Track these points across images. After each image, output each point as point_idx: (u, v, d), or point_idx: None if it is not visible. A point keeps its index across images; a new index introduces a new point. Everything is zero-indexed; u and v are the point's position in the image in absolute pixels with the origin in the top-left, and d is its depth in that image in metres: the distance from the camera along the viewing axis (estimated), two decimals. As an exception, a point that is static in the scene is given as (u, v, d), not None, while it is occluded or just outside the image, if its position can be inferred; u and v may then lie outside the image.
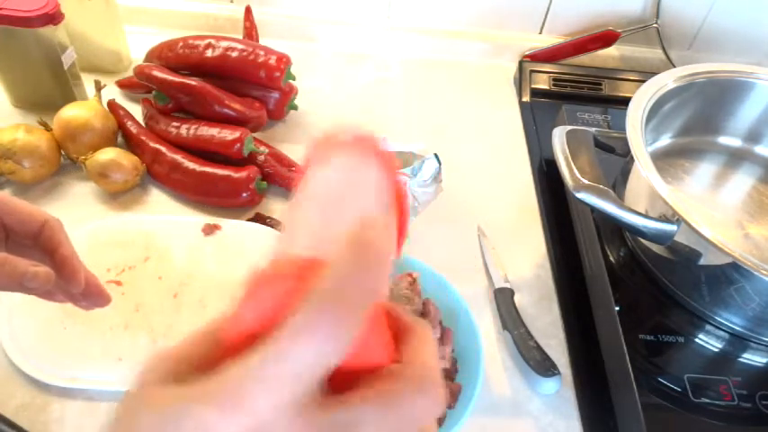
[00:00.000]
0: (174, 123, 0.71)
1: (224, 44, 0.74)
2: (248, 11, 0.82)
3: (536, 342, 0.57)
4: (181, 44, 0.75)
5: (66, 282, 0.42)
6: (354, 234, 0.20)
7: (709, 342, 0.57)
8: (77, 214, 0.65)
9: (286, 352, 0.18)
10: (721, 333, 0.57)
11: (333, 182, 0.23)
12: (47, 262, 0.42)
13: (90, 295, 0.44)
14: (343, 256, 0.19)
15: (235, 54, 0.73)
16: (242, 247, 0.63)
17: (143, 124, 0.74)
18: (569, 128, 0.62)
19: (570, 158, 0.58)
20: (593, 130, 0.64)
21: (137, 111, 0.76)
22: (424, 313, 0.55)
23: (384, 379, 0.20)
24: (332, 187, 0.23)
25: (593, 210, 0.57)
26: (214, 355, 0.21)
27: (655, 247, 0.60)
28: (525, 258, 0.67)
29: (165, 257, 0.61)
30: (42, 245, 0.42)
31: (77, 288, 0.43)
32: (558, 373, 0.55)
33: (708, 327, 0.58)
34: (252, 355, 0.18)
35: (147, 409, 0.19)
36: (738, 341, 0.57)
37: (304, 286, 0.19)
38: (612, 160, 0.65)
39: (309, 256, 0.20)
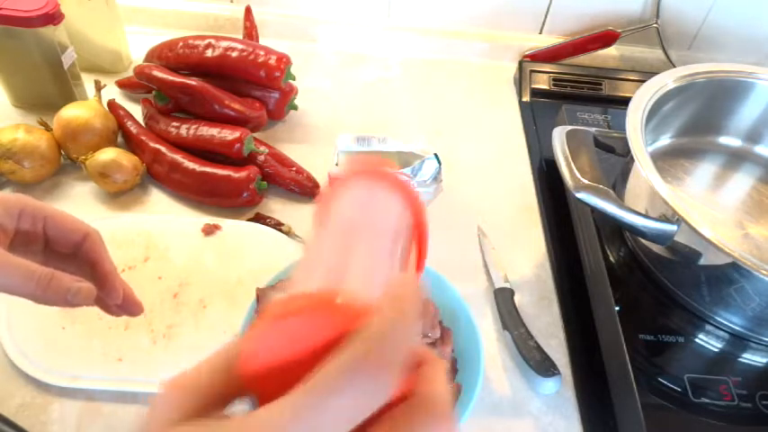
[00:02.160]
0: (174, 123, 0.71)
1: (224, 44, 0.74)
2: (248, 11, 0.82)
3: (536, 342, 0.57)
4: (181, 44, 0.75)
5: (106, 295, 0.43)
6: (392, 290, 0.20)
7: (709, 342, 0.57)
8: (77, 214, 0.64)
9: (322, 406, 0.18)
10: (721, 333, 0.57)
11: (352, 210, 0.23)
12: (84, 272, 0.42)
13: (125, 306, 0.44)
14: (381, 312, 0.19)
15: (235, 54, 0.73)
16: (242, 247, 0.63)
17: (143, 124, 0.74)
18: (569, 128, 0.62)
19: (570, 158, 0.58)
20: (593, 130, 0.64)
21: (137, 111, 0.76)
22: (424, 314, 0.55)
23: (400, 410, 0.20)
24: (351, 216, 0.23)
25: (593, 210, 0.57)
26: (228, 389, 0.20)
27: (655, 247, 0.59)
28: (525, 258, 0.67)
29: (165, 257, 0.61)
30: (83, 257, 0.42)
31: (116, 301, 0.43)
32: (558, 373, 0.55)
33: (708, 327, 0.58)
34: (282, 404, 0.18)
35: None
36: (738, 341, 0.57)
37: (329, 328, 0.19)
38: (612, 160, 0.65)
39: (332, 293, 0.20)
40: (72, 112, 0.68)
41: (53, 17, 0.67)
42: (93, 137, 0.68)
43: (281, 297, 0.20)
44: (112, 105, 0.74)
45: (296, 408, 0.18)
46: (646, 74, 0.83)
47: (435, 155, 0.63)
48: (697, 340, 0.57)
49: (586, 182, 0.56)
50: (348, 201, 0.23)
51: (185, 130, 0.70)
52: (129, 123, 0.73)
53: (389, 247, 0.23)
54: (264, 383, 0.19)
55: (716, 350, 0.57)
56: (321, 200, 0.24)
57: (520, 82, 0.88)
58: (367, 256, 0.22)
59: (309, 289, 0.21)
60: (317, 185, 0.70)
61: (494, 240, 0.67)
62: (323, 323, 0.19)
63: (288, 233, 0.66)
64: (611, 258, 0.64)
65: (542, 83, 0.88)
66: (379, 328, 0.19)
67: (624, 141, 0.59)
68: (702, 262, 0.54)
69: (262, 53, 0.73)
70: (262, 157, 0.70)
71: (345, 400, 0.18)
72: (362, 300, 0.20)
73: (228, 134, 0.68)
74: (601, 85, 0.88)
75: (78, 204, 0.67)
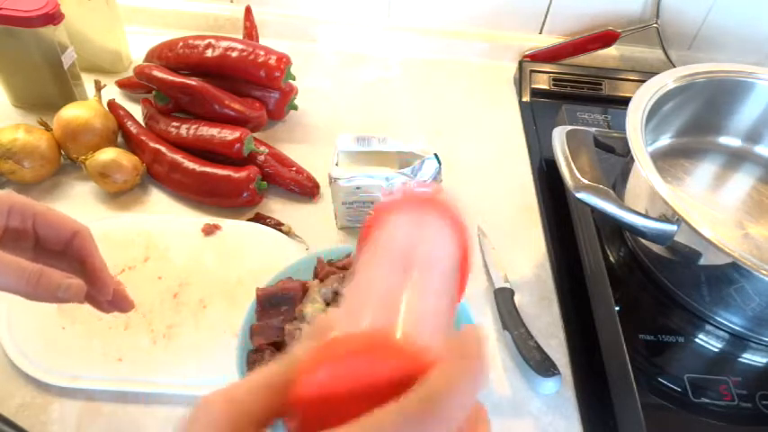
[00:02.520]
0: (174, 123, 0.71)
1: (224, 44, 0.74)
2: (248, 11, 0.82)
3: (536, 342, 0.57)
4: (181, 44, 0.75)
5: (97, 291, 0.43)
6: (459, 344, 0.19)
7: (710, 342, 0.57)
8: (77, 214, 0.64)
9: None
10: (721, 333, 0.57)
11: (403, 238, 0.22)
12: (75, 268, 0.43)
13: (115, 302, 0.45)
14: (448, 367, 0.19)
15: (235, 54, 0.73)
16: (242, 247, 0.63)
17: (143, 124, 0.74)
18: (569, 128, 0.62)
19: (570, 158, 0.58)
20: (593, 130, 0.64)
21: (137, 111, 0.76)
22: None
23: None
24: (403, 244, 0.22)
25: (593, 210, 0.57)
26: (274, 409, 0.20)
27: (655, 247, 0.59)
28: (525, 258, 0.67)
29: (165, 257, 0.61)
30: (73, 253, 0.43)
31: (106, 297, 0.44)
32: (558, 373, 0.55)
33: (708, 327, 0.58)
34: None
35: None
36: (738, 341, 0.57)
37: (386, 368, 0.19)
38: (612, 160, 0.65)
39: (389, 332, 0.20)
40: (72, 112, 0.68)
41: (53, 17, 0.67)
42: (93, 137, 0.68)
43: (340, 334, 0.20)
44: (112, 105, 0.74)
45: None
46: (646, 74, 0.83)
47: (435, 155, 0.63)
48: (697, 340, 0.57)
49: (586, 182, 0.56)
50: (399, 227, 0.23)
51: (185, 130, 0.70)
52: (129, 123, 0.73)
53: (443, 282, 0.22)
54: (313, 412, 0.19)
55: (716, 350, 0.57)
56: (368, 224, 0.23)
57: (520, 82, 0.88)
58: (422, 290, 0.21)
59: (362, 321, 0.21)
60: (317, 185, 0.70)
61: (494, 240, 0.67)
62: (380, 362, 0.19)
63: (288, 233, 0.66)
64: (611, 258, 0.64)
65: (542, 83, 0.88)
66: (444, 385, 0.18)
67: (624, 141, 0.59)
68: (702, 262, 0.54)
69: (262, 53, 0.73)
70: (262, 157, 0.70)
71: None
72: (421, 341, 0.20)
73: (228, 134, 0.68)
74: (601, 85, 0.88)
75: (78, 204, 0.67)
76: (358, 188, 0.62)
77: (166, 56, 0.76)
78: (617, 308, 0.57)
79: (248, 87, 0.75)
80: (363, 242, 0.23)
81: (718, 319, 0.57)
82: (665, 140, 0.72)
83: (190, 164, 0.67)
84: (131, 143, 0.72)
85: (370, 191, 0.62)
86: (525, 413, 0.55)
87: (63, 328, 0.55)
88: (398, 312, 0.21)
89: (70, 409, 0.51)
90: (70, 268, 0.42)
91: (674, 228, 0.54)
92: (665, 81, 0.65)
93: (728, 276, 0.53)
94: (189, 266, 0.61)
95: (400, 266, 0.22)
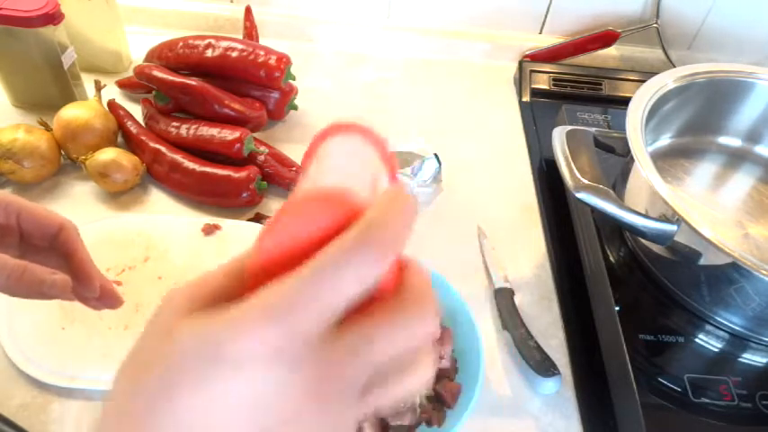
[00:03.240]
0: (174, 123, 0.71)
1: (224, 44, 0.74)
2: (248, 11, 0.82)
3: (536, 342, 0.57)
4: (181, 44, 0.75)
5: (83, 287, 0.43)
6: (389, 191, 0.21)
7: (710, 342, 0.57)
8: (77, 214, 0.64)
9: (334, 273, 0.19)
10: (721, 333, 0.57)
11: (338, 152, 0.24)
12: (61, 264, 0.42)
13: (103, 298, 0.44)
14: (386, 198, 0.21)
15: (235, 54, 0.73)
16: (242, 247, 0.62)
17: (143, 124, 0.74)
18: (569, 128, 0.62)
19: (570, 158, 0.58)
20: (593, 130, 0.64)
21: (137, 111, 0.76)
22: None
23: (391, 305, 0.21)
24: (340, 160, 0.24)
25: (593, 210, 0.57)
26: (237, 289, 0.21)
27: (655, 247, 0.59)
28: (525, 258, 0.67)
29: (165, 257, 0.61)
30: (59, 249, 0.43)
31: (93, 293, 0.43)
32: (558, 373, 0.55)
33: (708, 327, 0.58)
34: (294, 276, 0.19)
35: (182, 335, 0.19)
36: (738, 341, 0.57)
37: (336, 220, 0.20)
38: (612, 160, 0.65)
39: (340, 190, 0.21)
40: (72, 112, 0.68)
41: (53, 17, 0.67)
42: (93, 137, 0.68)
43: (293, 196, 0.22)
44: (112, 105, 0.74)
45: (301, 278, 0.19)
46: (646, 74, 0.83)
47: (435, 155, 0.63)
48: (697, 340, 0.57)
49: (586, 182, 0.56)
50: (332, 147, 0.25)
51: (185, 130, 0.70)
52: (129, 123, 0.73)
53: (376, 171, 0.25)
54: (274, 277, 0.20)
55: (716, 350, 0.57)
56: (309, 150, 0.26)
57: (520, 82, 0.88)
58: (363, 177, 0.23)
59: (313, 187, 0.22)
60: (316, 185, 0.70)
61: (494, 240, 0.67)
62: (331, 215, 0.20)
63: (288, 233, 0.65)
64: (611, 258, 0.64)
65: (542, 83, 0.88)
66: (377, 215, 0.20)
67: (624, 141, 0.59)
68: (702, 262, 0.54)
69: (262, 53, 0.73)
70: (262, 157, 0.70)
71: (344, 275, 0.19)
72: (366, 199, 0.21)
73: (228, 134, 0.68)
74: (601, 85, 0.88)
75: (78, 204, 0.67)
76: (358, 188, 0.62)
77: (166, 56, 0.76)
78: (617, 308, 0.57)
79: (248, 87, 0.75)
80: (308, 158, 0.25)
81: (718, 319, 0.57)
82: (665, 140, 0.72)
83: (190, 164, 0.67)
84: (131, 143, 0.72)
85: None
86: (525, 413, 0.55)
87: (63, 328, 0.55)
88: (346, 185, 0.22)
89: (70, 409, 0.51)
90: (56, 264, 0.42)
91: (674, 228, 0.54)
92: (665, 81, 0.65)
93: (728, 276, 0.53)
94: (189, 266, 0.61)
95: (339, 164, 0.24)
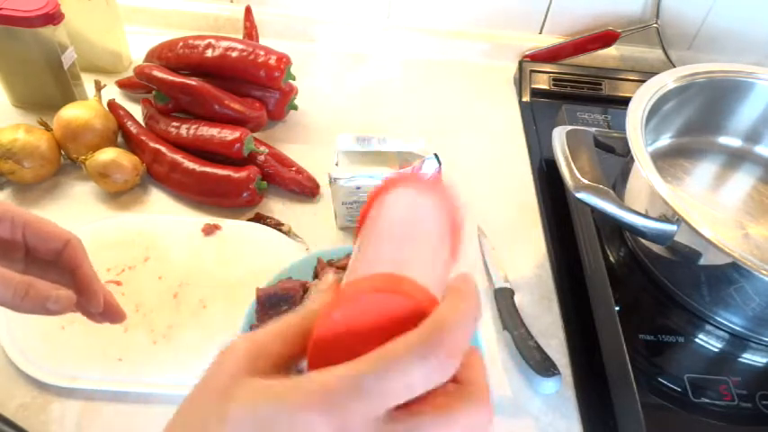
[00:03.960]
0: (174, 123, 0.71)
1: (224, 44, 0.74)
2: (248, 11, 0.82)
3: (536, 342, 0.57)
4: (181, 44, 0.75)
5: (87, 302, 0.42)
6: (457, 284, 0.22)
7: (710, 342, 0.57)
8: (77, 214, 0.65)
9: (401, 370, 0.19)
10: (721, 333, 0.57)
11: (398, 213, 0.25)
12: (66, 279, 0.42)
13: (106, 312, 0.44)
14: (451, 303, 0.21)
15: (235, 54, 0.73)
16: (242, 247, 0.63)
17: (143, 124, 0.74)
18: (569, 128, 0.62)
19: (570, 158, 0.58)
20: (593, 130, 0.64)
21: (137, 111, 0.76)
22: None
23: (448, 395, 0.21)
24: (399, 217, 0.25)
25: (593, 210, 0.57)
26: (294, 354, 0.22)
27: (655, 247, 0.59)
28: (525, 258, 0.67)
29: (165, 257, 0.61)
30: (64, 264, 0.42)
31: (97, 308, 0.43)
32: (558, 373, 0.55)
33: (708, 327, 0.58)
34: (359, 365, 0.19)
35: (238, 402, 0.20)
36: (738, 341, 0.57)
37: (397, 309, 0.21)
38: (612, 160, 0.65)
39: (398, 277, 0.22)
40: (72, 113, 0.68)
41: (53, 17, 0.67)
42: (93, 137, 0.68)
43: (354, 277, 0.22)
44: (112, 105, 0.74)
45: (376, 370, 0.19)
46: (646, 74, 0.83)
47: (435, 155, 0.63)
48: (697, 340, 0.57)
49: (586, 182, 0.56)
50: (393, 205, 0.25)
51: (185, 130, 0.70)
52: (129, 123, 0.73)
53: (439, 244, 0.25)
54: (329, 353, 0.21)
55: (716, 350, 0.57)
56: (365, 207, 0.26)
57: (520, 82, 0.88)
58: (422, 251, 0.24)
59: (381, 271, 0.22)
60: (317, 185, 0.70)
61: (494, 240, 0.67)
62: (389, 304, 0.21)
63: (288, 233, 0.66)
64: (611, 258, 0.64)
65: (542, 83, 0.88)
66: (450, 316, 0.21)
67: (624, 141, 0.59)
68: (702, 262, 0.54)
69: (262, 53, 0.73)
70: (262, 157, 0.70)
71: (410, 375, 0.19)
72: (426, 286, 0.22)
73: (228, 134, 0.68)
74: (601, 85, 0.88)
75: (78, 204, 0.67)
76: (358, 188, 0.62)
77: (166, 56, 0.76)
78: (617, 308, 0.57)
79: (248, 87, 0.75)
80: (362, 222, 0.26)
81: (718, 319, 0.57)
82: (665, 140, 0.72)
83: (190, 164, 0.67)
84: (131, 143, 0.72)
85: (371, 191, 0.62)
86: (525, 413, 0.55)
87: (63, 327, 0.55)
88: (401, 265, 0.22)
89: (70, 409, 0.51)
90: (60, 278, 0.42)
91: (674, 228, 0.54)
92: (665, 81, 0.65)
93: (728, 276, 0.53)
94: (189, 266, 0.61)
95: (399, 237, 0.24)
